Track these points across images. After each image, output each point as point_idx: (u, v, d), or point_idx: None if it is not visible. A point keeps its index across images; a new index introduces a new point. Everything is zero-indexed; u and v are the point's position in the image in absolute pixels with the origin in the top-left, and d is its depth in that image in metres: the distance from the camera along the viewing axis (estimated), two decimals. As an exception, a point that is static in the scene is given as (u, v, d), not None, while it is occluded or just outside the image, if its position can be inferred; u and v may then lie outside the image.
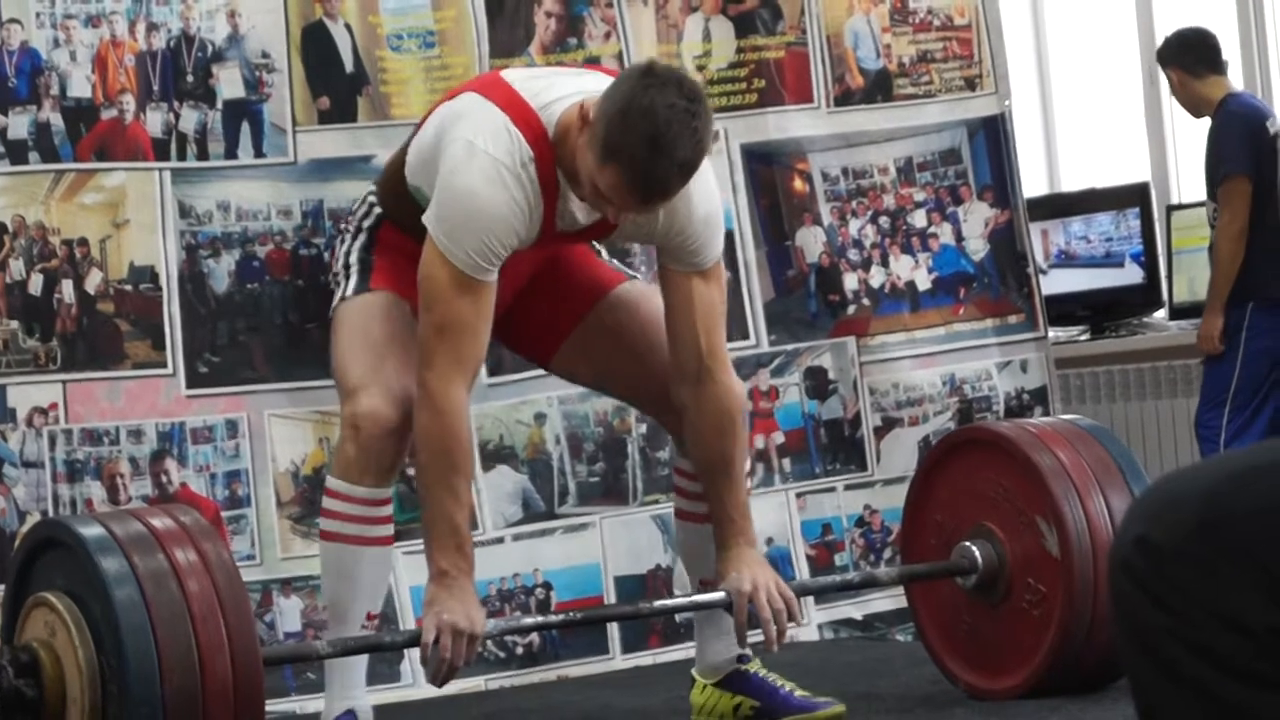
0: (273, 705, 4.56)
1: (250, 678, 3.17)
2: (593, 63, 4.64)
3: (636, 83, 3.37)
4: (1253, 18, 6.93)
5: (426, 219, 3.53)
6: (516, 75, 3.69)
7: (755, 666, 3.96)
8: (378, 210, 3.80)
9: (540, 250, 3.70)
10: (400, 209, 3.73)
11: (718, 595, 3.66)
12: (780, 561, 5.11)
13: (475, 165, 3.48)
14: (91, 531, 3.24)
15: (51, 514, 4.44)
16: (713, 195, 3.66)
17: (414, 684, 4.36)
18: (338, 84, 4.85)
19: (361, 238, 3.81)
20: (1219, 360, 6.14)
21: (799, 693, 3.92)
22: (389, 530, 3.80)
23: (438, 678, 3.55)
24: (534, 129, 3.51)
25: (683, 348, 3.67)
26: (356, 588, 3.74)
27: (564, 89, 3.55)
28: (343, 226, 3.92)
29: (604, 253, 4.02)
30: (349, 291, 3.78)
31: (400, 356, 3.69)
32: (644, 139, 3.30)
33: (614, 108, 3.35)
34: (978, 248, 5.46)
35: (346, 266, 3.80)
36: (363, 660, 3.79)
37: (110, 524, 3.27)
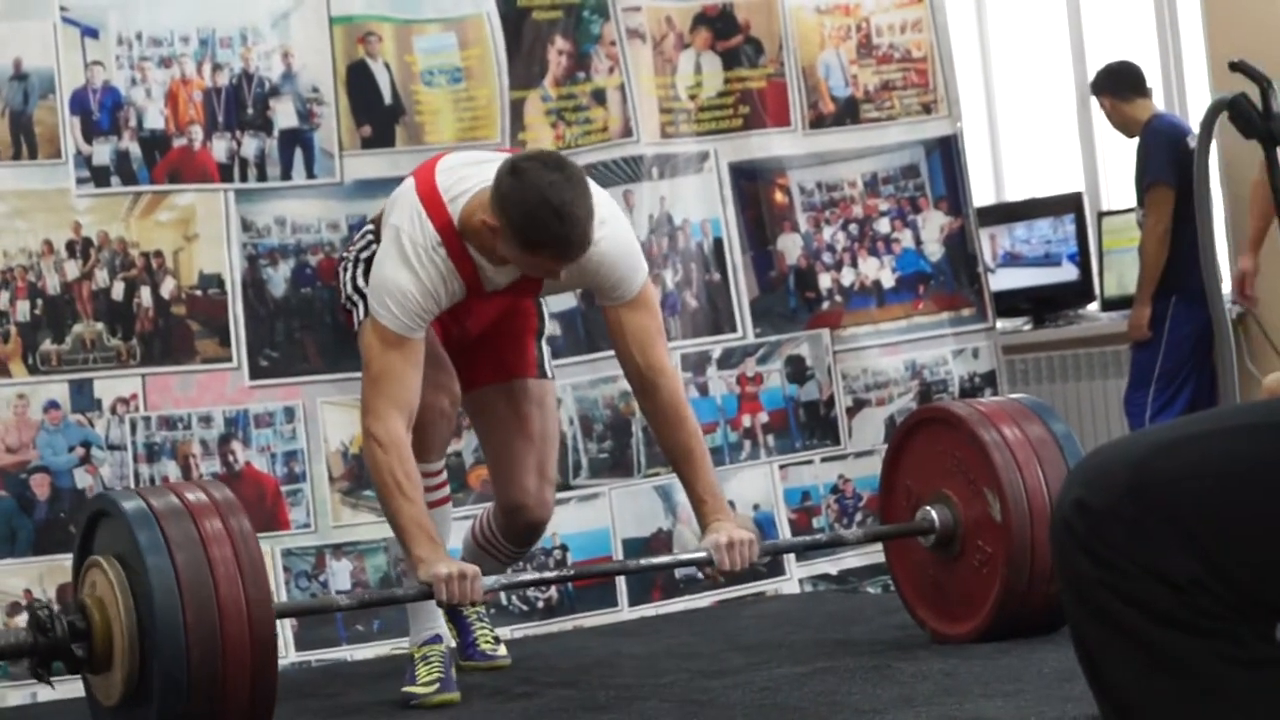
0: (326, 653, 4.58)
1: (264, 627, 3.25)
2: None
3: (517, 183, 3.43)
4: (1171, 47, 6.92)
5: (369, 286, 3.66)
6: (445, 165, 3.72)
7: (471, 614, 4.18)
8: (375, 246, 3.81)
9: (490, 301, 3.78)
10: None
11: (700, 554, 3.68)
12: (765, 525, 5.13)
13: (398, 249, 3.59)
14: (133, 505, 3.32)
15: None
16: (622, 240, 3.67)
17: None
18: (378, 114, 4.85)
19: (360, 267, 3.80)
20: (1146, 346, 6.14)
21: (484, 644, 4.16)
22: (445, 493, 3.97)
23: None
24: (441, 219, 3.60)
25: (627, 367, 3.74)
26: None
27: (476, 180, 3.60)
28: (344, 254, 3.90)
29: (544, 336, 4.04)
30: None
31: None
32: (554, 221, 3.39)
33: (515, 210, 3.42)
34: (934, 250, 5.46)
35: (359, 292, 3.79)
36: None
37: (150, 498, 3.34)
